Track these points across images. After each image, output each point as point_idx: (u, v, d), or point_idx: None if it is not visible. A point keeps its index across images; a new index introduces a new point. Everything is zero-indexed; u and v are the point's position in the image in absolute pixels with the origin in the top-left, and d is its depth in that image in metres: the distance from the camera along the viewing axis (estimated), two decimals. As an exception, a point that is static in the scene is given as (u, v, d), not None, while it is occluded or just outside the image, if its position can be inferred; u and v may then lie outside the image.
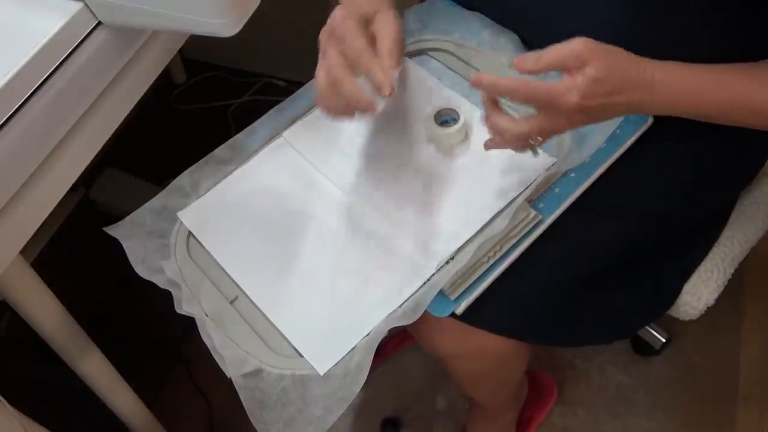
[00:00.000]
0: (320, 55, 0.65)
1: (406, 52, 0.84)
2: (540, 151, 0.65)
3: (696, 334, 1.30)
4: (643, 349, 1.28)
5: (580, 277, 0.73)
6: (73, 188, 0.74)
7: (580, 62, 0.58)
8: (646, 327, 1.25)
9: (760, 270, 1.36)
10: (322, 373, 0.63)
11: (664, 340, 1.24)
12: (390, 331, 0.65)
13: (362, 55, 0.62)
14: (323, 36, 0.66)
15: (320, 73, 0.64)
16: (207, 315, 0.68)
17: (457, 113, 0.77)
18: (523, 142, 0.64)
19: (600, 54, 0.59)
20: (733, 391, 1.24)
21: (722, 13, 0.64)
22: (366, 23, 0.66)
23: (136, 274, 0.71)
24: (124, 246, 0.72)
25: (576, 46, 0.58)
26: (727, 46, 0.68)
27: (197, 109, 1.65)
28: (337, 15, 0.65)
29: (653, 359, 1.28)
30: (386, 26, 0.65)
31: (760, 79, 0.64)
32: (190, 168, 0.78)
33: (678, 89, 0.63)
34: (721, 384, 1.25)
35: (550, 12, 0.74)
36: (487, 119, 0.65)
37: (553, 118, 0.61)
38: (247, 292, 0.69)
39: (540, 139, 0.63)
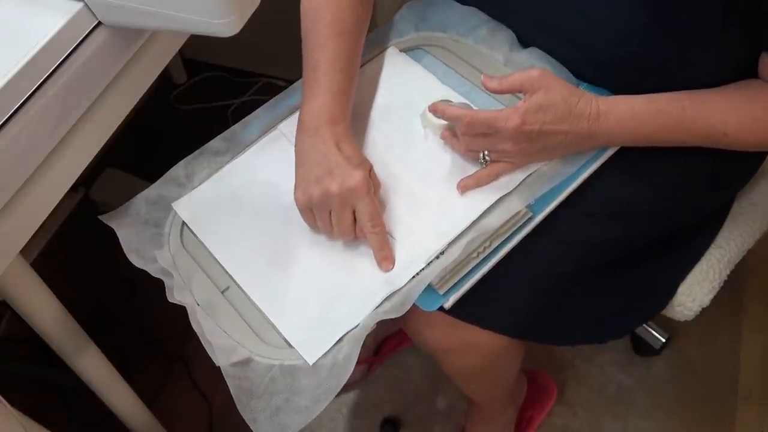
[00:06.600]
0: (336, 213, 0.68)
1: (403, 47, 0.85)
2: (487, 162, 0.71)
3: (696, 334, 1.30)
4: (643, 349, 1.28)
5: (570, 275, 0.73)
6: (73, 188, 0.75)
7: (532, 88, 0.66)
8: (646, 327, 1.25)
9: (759, 270, 1.36)
10: (311, 363, 0.64)
11: (664, 340, 1.24)
12: (386, 327, 0.65)
13: (376, 233, 0.68)
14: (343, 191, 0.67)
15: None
16: (198, 304, 0.68)
17: None
18: (472, 154, 0.72)
19: (551, 84, 0.66)
20: (732, 391, 1.24)
21: (734, 24, 0.64)
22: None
23: (136, 274, 0.71)
24: (119, 234, 0.73)
25: (533, 73, 0.66)
26: (742, 57, 0.69)
27: (197, 109, 1.65)
28: (361, 178, 0.66)
29: (653, 359, 1.28)
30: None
31: (698, 104, 0.68)
32: (186, 158, 0.78)
33: (619, 116, 0.69)
34: (721, 384, 1.25)
35: (552, 13, 0.74)
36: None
37: (498, 142, 0.68)
38: (239, 283, 0.70)
39: (489, 158, 0.71)
